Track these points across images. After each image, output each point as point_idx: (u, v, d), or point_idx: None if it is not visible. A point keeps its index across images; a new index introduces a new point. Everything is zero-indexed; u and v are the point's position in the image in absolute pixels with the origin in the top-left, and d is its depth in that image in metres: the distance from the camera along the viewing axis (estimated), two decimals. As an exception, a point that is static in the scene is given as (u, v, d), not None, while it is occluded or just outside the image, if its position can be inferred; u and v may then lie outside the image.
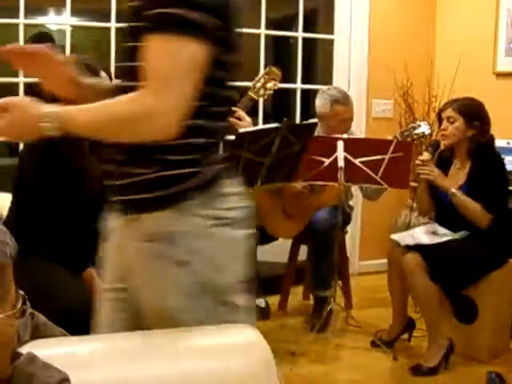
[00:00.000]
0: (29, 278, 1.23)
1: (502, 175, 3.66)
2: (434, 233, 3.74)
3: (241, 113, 3.70)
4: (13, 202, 2.90)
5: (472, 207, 3.59)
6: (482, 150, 3.64)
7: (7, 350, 1.17)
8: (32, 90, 4.75)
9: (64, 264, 2.71)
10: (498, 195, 3.64)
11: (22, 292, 1.18)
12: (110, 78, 2.91)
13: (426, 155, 3.74)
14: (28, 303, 1.19)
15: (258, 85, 3.77)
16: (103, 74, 2.86)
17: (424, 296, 3.56)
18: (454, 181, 3.71)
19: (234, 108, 3.68)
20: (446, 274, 3.55)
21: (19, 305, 1.16)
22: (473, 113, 3.63)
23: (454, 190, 3.62)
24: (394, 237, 3.83)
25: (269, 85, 3.78)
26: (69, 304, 2.51)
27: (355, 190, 4.56)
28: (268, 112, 6.34)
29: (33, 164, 2.78)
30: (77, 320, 2.26)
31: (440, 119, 3.76)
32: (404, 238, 3.77)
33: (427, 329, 3.64)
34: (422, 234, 3.79)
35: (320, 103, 4.19)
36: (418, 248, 3.60)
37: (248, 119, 3.73)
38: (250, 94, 3.75)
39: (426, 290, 3.53)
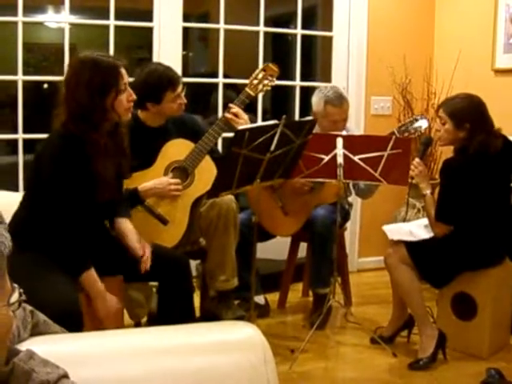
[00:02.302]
0: (19, 274, 1.23)
1: (473, 183, 3.54)
2: (427, 226, 3.75)
3: (238, 110, 3.71)
4: (24, 198, 2.89)
5: (430, 214, 3.65)
6: (462, 153, 3.58)
7: (4, 342, 1.17)
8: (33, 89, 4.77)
9: (63, 264, 2.70)
10: (454, 204, 3.56)
11: (16, 285, 1.18)
12: (128, 74, 2.89)
13: (417, 160, 3.76)
14: (24, 296, 1.19)
15: (255, 81, 3.77)
16: (123, 70, 2.85)
17: (407, 289, 3.61)
18: None
19: (231, 105, 3.69)
20: (430, 265, 3.60)
21: (16, 296, 1.17)
22: (462, 115, 3.56)
23: (424, 193, 3.68)
24: (385, 228, 3.84)
25: (266, 81, 3.79)
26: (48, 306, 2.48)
27: (352, 189, 4.56)
28: (267, 109, 6.34)
29: (49, 163, 2.75)
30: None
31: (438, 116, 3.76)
32: (398, 232, 3.79)
33: (416, 321, 3.68)
34: (418, 228, 3.80)
35: (315, 101, 4.18)
36: (404, 242, 3.66)
37: (245, 116, 3.73)
38: (247, 90, 3.75)
39: (409, 283, 3.59)
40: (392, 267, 3.67)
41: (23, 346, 1.32)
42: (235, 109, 3.70)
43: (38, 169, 2.81)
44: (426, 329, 3.58)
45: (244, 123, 3.62)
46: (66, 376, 1.29)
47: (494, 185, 3.62)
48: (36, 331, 1.52)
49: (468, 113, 3.57)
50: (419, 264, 3.58)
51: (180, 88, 3.61)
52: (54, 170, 2.73)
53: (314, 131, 4.02)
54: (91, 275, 2.76)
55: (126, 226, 3.08)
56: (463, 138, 3.57)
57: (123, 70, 2.84)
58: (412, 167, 3.70)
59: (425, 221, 3.86)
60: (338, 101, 4.11)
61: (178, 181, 3.55)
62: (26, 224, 2.77)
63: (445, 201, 3.58)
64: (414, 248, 3.62)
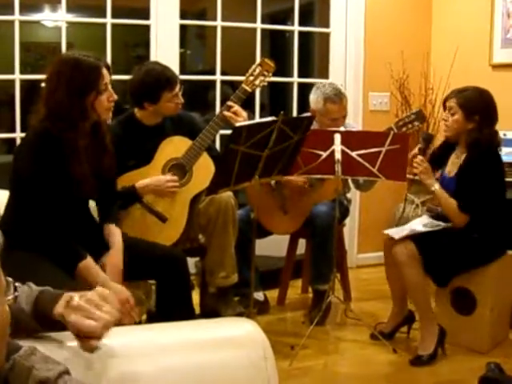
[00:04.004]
0: (14, 272, 1.25)
1: (490, 174, 3.59)
2: (426, 225, 3.75)
3: (237, 108, 3.70)
4: (9, 198, 2.90)
5: (448, 206, 3.63)
6: (477, 146, 3.60)
7: (4, 338, 1.17)
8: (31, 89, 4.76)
9: (55, 261, 2.69)
10: (477, 195, 3.58)
11: (10, 279, 1.19)
12: (110, 74, 2.90)
13: (415, 150, 3.76)
14: (19, 290, 1.20)
15: (251, 77, 3.77)
16: (104, 70, 2.84)
17: (415, 286, 3.57)
18: (451, 168, 3.74)
19: (229, 103, 3.69)
20: (436, 262, 3.58)
21: (11, 292, 1.17)
22: (473, 106, 3.60)
23: (433, 189, 3.66)
24: (388, 232, 3.82)
25: (262, 77, 3.78)
26: None
27: (351, 182, 4.57)
28: (265, 106, 6.34)
29: (26, 160, 2.76)
30: None
31: (445, 107, 3.75)
32: (398, 232, 3.77)
33: (419, 317, 3.66)
34: (417, 225, 3.78)
35: (313, 99, 4.16)
36: (412, 237, 3.62)
37: (244, 114, 3.73)
38: (244, 86, 3.75)
39: (418, 280, 3.55)
40: (401, 263, 3.59)
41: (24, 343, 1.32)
42: (235, 107, 3.69)
43: (17, 167, 2.82)
44: (428, 325, 3.57)
45: (243, 121, 3.62)
46: (66, 372, 1.29)
47: (503, 178, 3.70)
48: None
49: (479, 105, 3.61)
50: (427, 259, 3.56)
51: (178, 88, 3.61)
52: (31, 167, 2.73)
53: (315, 127, 4.03)
54: (89, 265, 2.74)
55: (113, 236, 3.00)
56: (471, 129, 3.61)
57: (104, 70, 2.83)
58: (415, 165, 3.69)
59: (423, 219, 3.85)
60: (338, 97, 4.11)
61: (175, 178, 3.55)
62: (14, 223, 2.78)
63: (471, 191, 3.60)
64: (423, 243, 3.60)
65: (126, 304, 2.66)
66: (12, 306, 1.19)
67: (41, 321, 1.42)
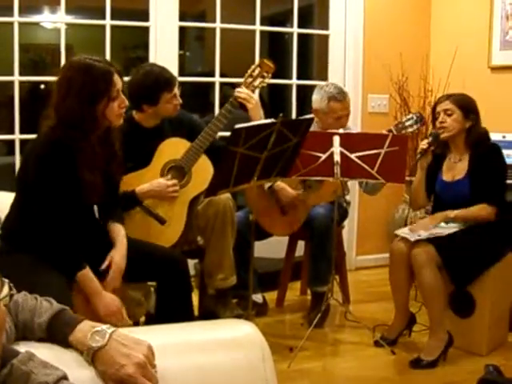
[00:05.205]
0: (13, 274, 1.25)
1: (502, 165, 3.72)
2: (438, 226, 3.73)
3: (248, 93, 3.72)
4: (15, 199, 2.89)
5: (476, 213, 3.66)
6: (481, 142, 3.71)
7: None
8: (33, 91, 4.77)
9: (56, 266, 2.69)
10: (498, 186, 3.69)
11: (6, 279, 1.18)
12: (122, 79, 2.87)
13: (424, 142, 3.79)
14: (14, 289, 1.19)
15: (250, 79, 3.77)
16: (116, 76, 2.81)
17: (432, 290, 3.52)
18: (451, 174, 3.74)
19: (238, 89, 3.69)
20: (458, 264, 3.55)
21: (6, 290, 1.17)
22: (469, 106, 3.70)
23: (453, 216, 3.67)
24: (400, 232, 3.78)
25: (261, 78, 3.78)
26: None
27: (351, 184, 4.57)
28: (264, 108, 6.33)
29: (34, 166, 2.73)
30: None
31: (434, 113, 3.77)
32: (411, 234, 3.73)
33: (430, 322, 3.61)
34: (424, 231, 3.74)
35: (317, 99, 4.17)
36: (430, 240, 3.58)
37: (256, 97, 3.79)
38: (243, 87, 3.75)
39: (435, 284, 3.51)
40: (420, 265, 3.53)
41: (23, 348, 1.32)
42: (243, 94, 3.70)
43: (25, 170, 2.80)
44: (439, 331, 3.55)
45: (255, 102, 3.65)
46: (65, 377, 1.29)
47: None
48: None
49: (473, 105, 3.73)
50: (447, 260, 3.53)
51: (176, 88, 3.60)
52: (39, 173, 2.70)
53: (316, 129, 4.03)
54: (86, 275, 2.74)
55: (119, 234, 3.02)
56: (468, 128, 3.70)
57: (116, 76, 2.76)
58: (421, 145, 3.81)
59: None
60: (341, 95, 4.13)
61: (175, 182, 3.54)
62: (18, 225, 2.78)
63: (499, 184, 3.70)
64: (441, 244, 3.56)
65: (116, 314, 2.69)
66: (8, 305, 1.19)
67: (52, 335, 1.44)
